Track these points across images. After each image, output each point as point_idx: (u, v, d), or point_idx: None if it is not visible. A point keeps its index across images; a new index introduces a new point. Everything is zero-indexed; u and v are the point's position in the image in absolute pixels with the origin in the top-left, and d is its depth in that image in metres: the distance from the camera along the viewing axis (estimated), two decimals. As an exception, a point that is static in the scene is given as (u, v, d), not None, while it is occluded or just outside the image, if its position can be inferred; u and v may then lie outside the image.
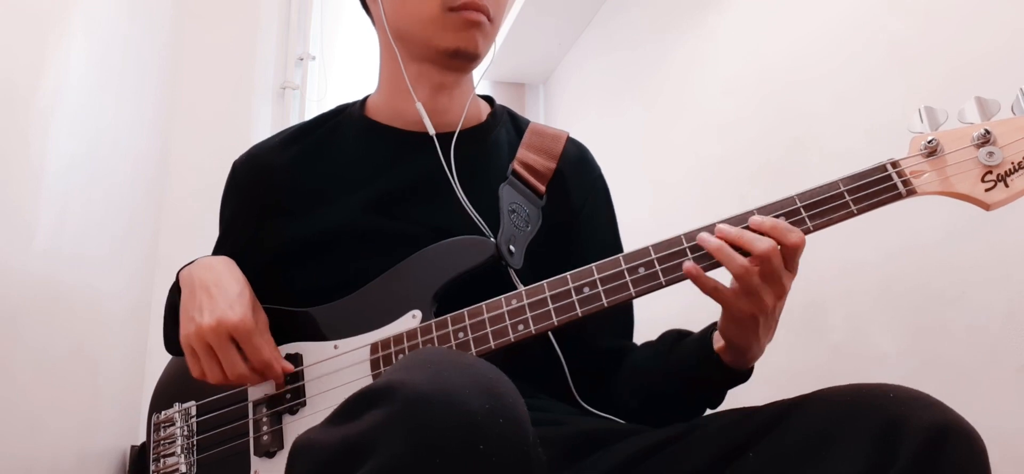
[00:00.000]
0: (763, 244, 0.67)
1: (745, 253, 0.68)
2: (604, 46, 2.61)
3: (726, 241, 0.69)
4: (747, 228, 0.70)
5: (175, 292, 0.87)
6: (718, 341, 0.76)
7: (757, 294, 0.68)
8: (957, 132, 0.70)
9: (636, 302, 0.79)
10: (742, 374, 0.78)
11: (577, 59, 2.83)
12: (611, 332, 0.92)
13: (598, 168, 1.00)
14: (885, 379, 0.63)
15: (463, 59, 0.89)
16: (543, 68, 3.02)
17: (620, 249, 0.95)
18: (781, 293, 0.70)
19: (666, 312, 1.14)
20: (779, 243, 0.68)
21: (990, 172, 0.68)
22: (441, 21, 0.86)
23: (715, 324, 0.78)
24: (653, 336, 0.92)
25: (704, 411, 0.82)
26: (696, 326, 0.85)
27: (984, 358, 1.13)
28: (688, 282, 0.72)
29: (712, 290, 0.70)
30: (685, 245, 0.72)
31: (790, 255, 0.69)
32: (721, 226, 0.70)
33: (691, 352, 0.79)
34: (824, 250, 1.24)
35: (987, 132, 0.68)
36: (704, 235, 0.71)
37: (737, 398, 0.79)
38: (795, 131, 1.59)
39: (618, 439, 0.75)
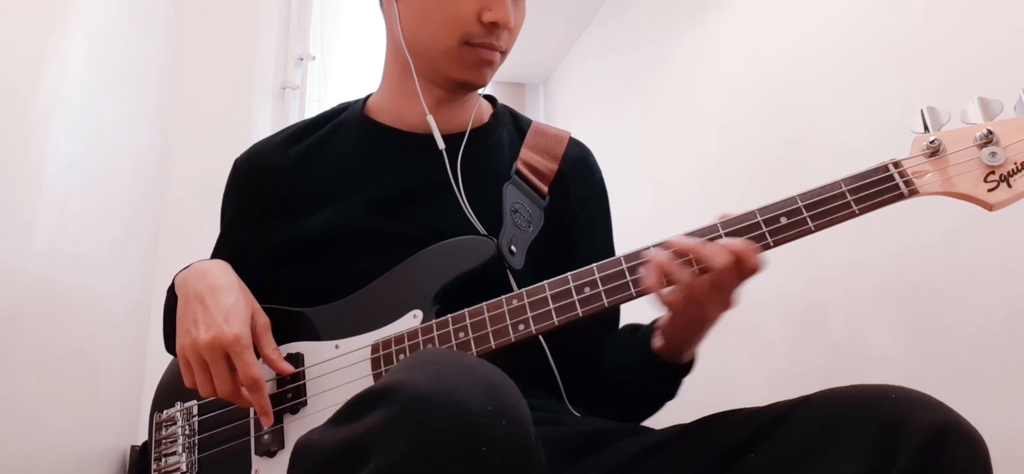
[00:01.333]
0: (722, 259, 0.68)
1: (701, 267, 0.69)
2: (604, 46, 2.61)
3: (685, 251, 0.70)
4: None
5: (172, 295, 0.87)
6: (657, 339, 0.79)
7: (705, 305, 0.71)
8: (959, 132, 0.70)
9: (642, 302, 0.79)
10: (682, 367, 0.81)
11: (577, 59, 2.83)
12: (595, 331, 0.91)
13: (599, 171, 1.00)
14: (885, 379, 0.63)
15: (468, 90, 0.91)
16: (543, 68, 3.02)
17: (612, 253, 0.95)
18: (726, 306, 0.72)
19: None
20: (744, 264, 0.69)
21: (993, 172, 0.68)
22: (457, 55, 0.86)
23: (655, 322, 0.81)
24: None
25: (659, 405, 0.86)
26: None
27: (984, 358, 1.13)
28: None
29: (667, 302, 0.72)
30: (684, 242, 0.72)
31: (747, 274, 0.70)
32: (677, 238, 0.71)
33: (639, 347, 0.82)
34: (825, 251, 1.24)
35: (990, 132, 0.68)
36: (652, 249, 0.72)
37: (738, 398, 0.79)
38: (795, 131, 1.59)
39: (618, 439, 0.75)
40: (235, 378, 0.75)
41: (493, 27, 0.84)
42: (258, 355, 0.79)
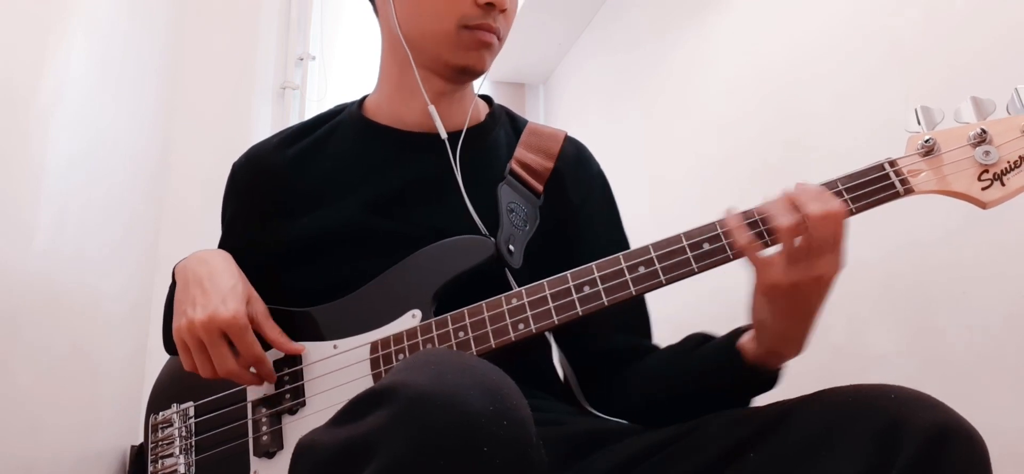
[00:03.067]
0: (820, 205, 0.63)
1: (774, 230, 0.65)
2: (604, 46, 2.61)
3: (758, 214, 0.66)
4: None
5: (173, 289, 0.87)
6: (747, 342, 0.72)
7: (799, 261, 0.64)
8: (953, 131, 0.71)
9: (653, 305, 0.77)
10: (766, 379, 0.73)
11: (577, 59, 2.83)
12: (627, 330, 0.89)
13: (597, 165, 1.00)
14: (885, 379, 0.63)
15: (469, 76, 0.91)
16: (543, 68, 3.02)
17: (624, 243, 0.94)
18: (826, 270, 0.64)
19: (670, 312, 1.14)
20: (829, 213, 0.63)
21: (986, 171, 0.68)
22: (455, 38, 0.86)
23: (741, 329, 0.75)
24: (658, 336, 0.92)
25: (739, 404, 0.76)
26: (701, 324, 0.84)
27: (984, 358, 1.13)
28: (688, 282, 0.72)
29: (745, 246, 0.66)
30: (685, 243, 0.72)
31: (837, 226, 0.64)
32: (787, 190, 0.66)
33: (715, 352, 0.76)
34: (824, 250, 1.24)
35: (983, 131, 0.69)
36: (733, 217, 0.67)
37: (737, 398, 0.79)
38: (795, 131, 1.59)
39: (618, 439, 0.75)
40: (234, 357, 0.76)
41: (489, 8, 0.84)
42: (265, 346, 0.79)
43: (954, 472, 0.54)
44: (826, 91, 1.51)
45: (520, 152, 0.93)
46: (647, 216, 2.10)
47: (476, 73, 0.90)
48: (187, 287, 0.80)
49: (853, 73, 1.44)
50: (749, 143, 1.74)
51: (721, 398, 0.74)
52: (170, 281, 0.88)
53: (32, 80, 1.35)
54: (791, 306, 0.67)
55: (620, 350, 0.87)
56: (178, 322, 0.78)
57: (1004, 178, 0.68)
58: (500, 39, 0.89)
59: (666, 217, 2.06)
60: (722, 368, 0.74)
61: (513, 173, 0.90)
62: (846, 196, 0.69)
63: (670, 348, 0.85)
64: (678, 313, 1.07)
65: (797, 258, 0.64)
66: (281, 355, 0.81)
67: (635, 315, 0.91)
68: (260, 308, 0.81)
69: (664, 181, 2.12)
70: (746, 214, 0.69)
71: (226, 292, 0.77)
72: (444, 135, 0.89)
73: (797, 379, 0.79)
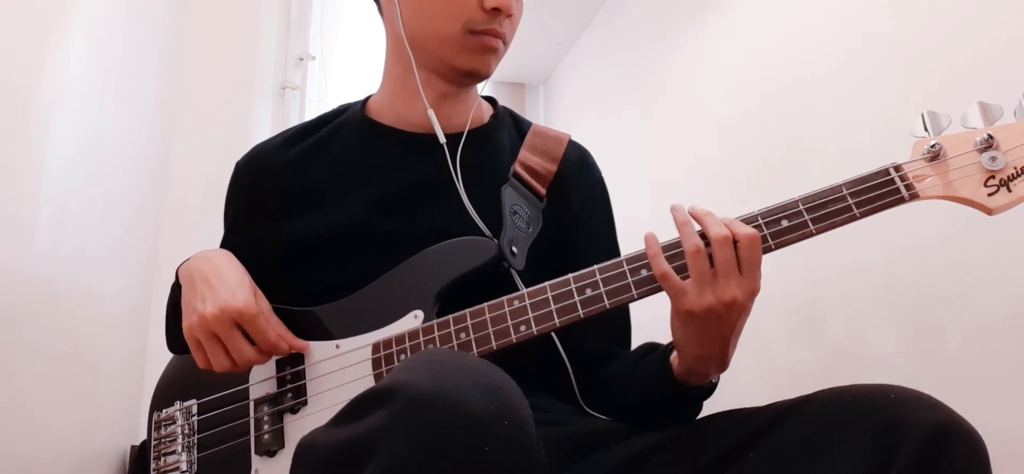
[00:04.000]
0: (720, 229, 0.67)
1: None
2: (604, 46, 2.61)
3: (694, 218, 0.69)
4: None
5: (176, 290, 0.87)
6: (675, 358, 0.74)
7: (704, 283, 0.66)
8: (960, 137, 0.70)
9: (638, 305, 0.78)
10: (698, 393, 0.75)
11: (577, 59, 2.83)
12: (605, 337, 0.90)
13: (599, 172, 1.00)
14: (885, 379, 0.63)
15: (474, 80, 0.90)
16: (543, 68, 3.02)
17: (617, 254, 0.95)
18: (733, 295, 0.66)
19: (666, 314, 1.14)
20: (739, 241, 0.67)
21: (993, 177, 0.68)
22: (461, 42, 0.86)
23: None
24: (656, 337, 0.92)
25: (680, 421, 0.77)
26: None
27: (984, 358, 1.13)
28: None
29: (663, 274, 0.69)
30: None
31: (746, 250, 0.67)
32: (693, 206, 0.70)
33: (652, 368, 0.77)
34: (824, 251, 1.25)
35: (990, 137, 0.68)
36: (677, 204, 0.71)
37: (738, 398, 0.79)
38: (795, 131, 1.59)
39: (618, 439, 0.75)
40: (251, 346, 0.77)
41: (495, 13, 0.84)
42: None
43: (954, 472, 0.54)
44: (826, 91, 1.51)
45: (524, 154, 0.93)
46: (647, 216, 2.10)
47: (481, 77, 0.89)
48: (194, 285, 0.80)
49: (853, 73, 1.44)
50: (749, 143, 1.75)
51: (660, 409, 0.76)
52: (173, 281, 0.88)
53: (32, 80, 1.35)
54: (704, 329, 0.68)
55: (598, 356, 0.88)
56: (189, 320, 0.78)
57: (1010, 184, 0.67)
58: (505, 44, 0.89)
59: (667, 217, 2.06)
60: (656, 380, 0.76)
61: (517, 175, 0.90)
62: (851, 201, 0.70)
63: (628, 355, 0.87)
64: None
65: (705, 283, 0.66)
66: (284, 355, 0.81)
67: (618, 323, 0.92)
68: (264, 305, 0.81)
69: (664, 181, 2.12)
70: (667, 245, 0.71)
71: (234, 285, 0.78)
72: (442, 139, 0.89)
73: (797, 379, 0.79)
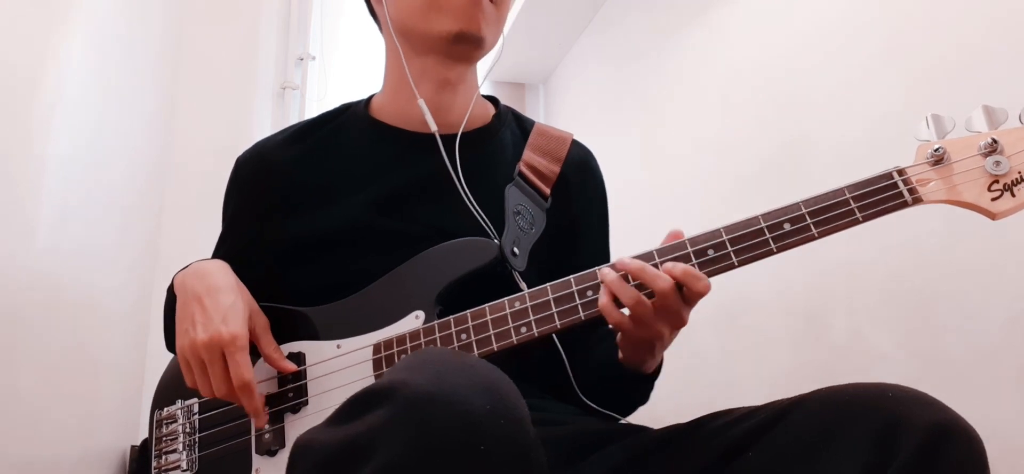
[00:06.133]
0: (663, 283, 0.70)
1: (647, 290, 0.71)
2: (604, 46, 2.61)
3: (630, 273, 0.72)
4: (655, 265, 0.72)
5: (171, 295, 0.87)
6: (621, 351, 0.81)
7: (651, 325, 0.72)
8: (964, 141, 0.70)
9: None
10: (645, 377, 0.83)
11: (577, 59, 2.83)
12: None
13: (600, 175, 1.00)
14: (885, 379, 0.63)
15: (467, 44, 0.87)
16: (543, 68, 3.02)
17: (607, 256, 0.96)
18: (677, 325, 0.74)
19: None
20: (688, 288, 0.71)
21: (997, 181, 0.68)
22: (438, 4, 0.85)
23: None
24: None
25: (634, 404, 0.89)
26: (700, 327, 0.86)
27: (984, 358, 1.13)
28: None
29: (616, 323, 0.73)
30: (689, 250, 0.72)
31: (693, 298, 0.72)
32: (625, 260, 0.73)
33: (605, 354, 0.85)
34: (825, 251, 1.24)
35: (994, 141, 0.68)
36: (605, 269, 0.73)
37: (738, 398, 0.80)
38: (795, 131, 1.59)
39: (618, 439, 0.75)
40: (228, 383, 0.75)
41: None
42: (259, 356, 0.80)
43: (952, 471, 0.54)
44: (826, 91, 1.51)
45: (528, 154, 0.93)
46: (647, 216, 2.10)
47: (472, 38, 0.86)
48: (187, 304, 0.79)
49: (853, 73, 1.44)
50: (749, 142, 1.75)
51: (622, 391, 0.85)
52: (169, 284, 0.88)
53: (33, 78, 1.35)
54: (640, 346, 0.77)
55: (583, 341, 0.91)
56: (181, 341, 0.78)
57: (1014, 189, 0.67)
58: (493, 1, 0.87)
59: (666, 217, 2.06)
60: (608, 361, 0.83)
61: (522, 175, 0.90)
62: (854, 204, 0.70)
63: (599, 333, 0.91)
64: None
65: (640, 323, 0.72)
66: (288, 354, 0.81)
67: None
68: (261, 322, 0.81)
69: (664, 180, 2.12)
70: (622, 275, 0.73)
71: (226, 311, 0.77)
72: (434, 128, 0.89)
73: (797, 378, 0.79)
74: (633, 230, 0.97)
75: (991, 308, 1.13)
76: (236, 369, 0.74)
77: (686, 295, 0.71)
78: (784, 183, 1.60)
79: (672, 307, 0.71)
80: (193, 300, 0.79)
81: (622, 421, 0.88)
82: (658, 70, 2.21)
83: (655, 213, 2.10)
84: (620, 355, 0.81)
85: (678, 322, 0.73)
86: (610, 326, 0.74)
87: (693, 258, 0.72)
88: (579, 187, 0.95)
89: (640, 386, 0.86)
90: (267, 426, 0.79)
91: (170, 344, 0.91)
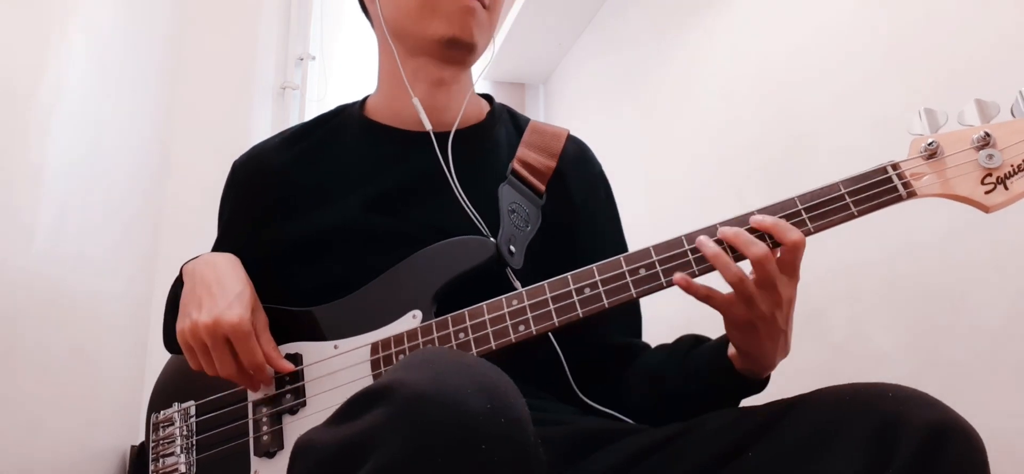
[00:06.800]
0: (758, 249, 0.67)
1: (741, 257, 0.68)
2: (604, 46, 2.61)
3: (726, 241, 0.69)
4: (747, 229, 0.70)
5: (178, 286, 0.87)
6: (731, 348, 0.76)
7: (752, 301, 0.68)
8: (957, 134, 0.70)
9: (642, 303, 0.78)
10: (756, 383, 0.76)
11: (577, 59, 2.83)
12: (621, 329, 0.91)
13: (598, 164, 1.00)
14: (885, 379, 0.63)
15: (459, 49, 0.88)
16: (543, 68, 3.02)
17: (623, 244, 0.95)
18: (778, 301, 0.69)
19: (669, 313, 1.14)
20: (778, 241, 0.68)
21: (990, 174, 0.68)
22: (432, 6, 0.85)
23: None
24: (656, 336, 0.92)
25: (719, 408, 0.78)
26: (698, 327, 0.85)
27: (984, 358, 1.13)
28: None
29: (705, 297, 0.70)
30: (686, 247, 0.72)
31: (789, 256, 0.68)
32: (723, 228, 0.70)
33: (706, 358, 0.78)
34: (825, 251, 1.24)
35: (987, 135, 0.68)
36: (703, 239, 0.70)
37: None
38: (795, 130, 1.59)
39: (618, 439, 0.75)
40: (236, 361, 0.76)
41: None
42: None
43: (952, 471, 0.54)
44: (826, 91, 1.51)
45: (522, 151, 0.92)
46: (646, 216, 2.10)
47: (464, 44, 0.87)
48: (194, 288, 0.80)
49: (853, 73, 1.44)
50: (749, 143, 1.75)
51: (715, 399, 0.77)
52: (176, 277, 0.88)
53: (32, 80, 1.35)
54: (759, 334, 0.70)
55: (615, 347, 0.89)
56: (182, 323, 0.78)
57: (1007, 182, 0.67)
58: (486, 6, 0.87)
59: (666, 217, 2.06)
60: (715, 372, 0.76)
61: (515, 173, 0.90)
62: (849, 199, 0.69)
63: (664, 348, 0.86)
64: (677, 314, 1.07)
65: (748, 296, 0.68)
66: (267, 382, 0.81)
67: (630, 313, 0.94)
68: (262, 320, 0.81)
69: (664, 180, 2.12)
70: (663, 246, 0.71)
71: (232, 297, 0.77)
72: (428, 126, 0.89)
73: (797, 378, 0.79)
74: (633, 230, 0.97)
75: (991, 308, 1.12)
76: (249, 356, 0.76)
77: (784, 256, 0.67)
78: (784, 183, 1.60)
79: (770, 276, 0.66)
80: (201, 285, 0.80)
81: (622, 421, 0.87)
82: (658, 70, 2.21)
83: (655, 213, 2.10)
84: (737, 360, 0.74)
85: (777, 297, 0.68)
86: (718, 309, 0.69)
87: (690, 255, 0.71)
88: (577, 180, 0.94)
89: (739, 394, 0.78)
90: (265, 427, 0.79)
91: (168, 342, 0.91)
